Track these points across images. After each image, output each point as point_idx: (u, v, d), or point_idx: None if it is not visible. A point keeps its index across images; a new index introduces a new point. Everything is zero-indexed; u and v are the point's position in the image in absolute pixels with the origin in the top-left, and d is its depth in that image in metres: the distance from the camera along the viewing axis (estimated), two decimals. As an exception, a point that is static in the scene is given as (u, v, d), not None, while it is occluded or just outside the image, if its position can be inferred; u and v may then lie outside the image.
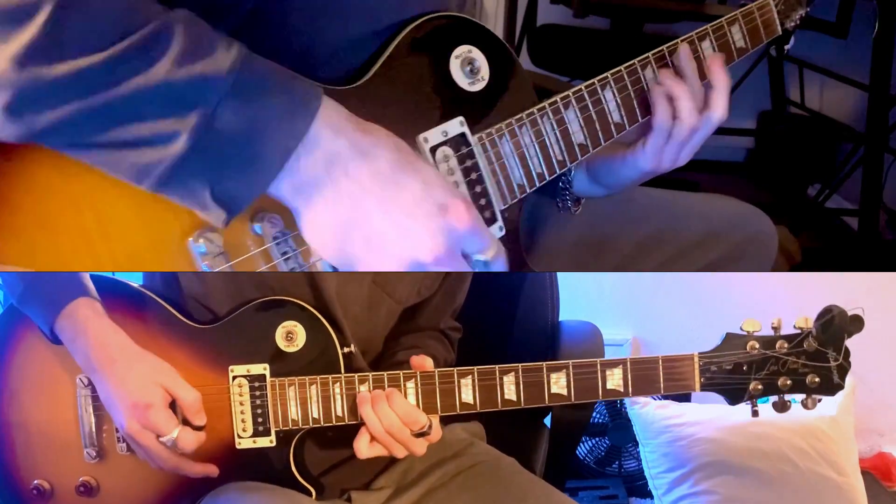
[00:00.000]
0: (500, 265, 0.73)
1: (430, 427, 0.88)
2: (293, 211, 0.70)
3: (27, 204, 0.69)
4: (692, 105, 0.92)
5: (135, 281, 0.98)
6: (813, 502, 1.56)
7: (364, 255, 0.69)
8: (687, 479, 1.62)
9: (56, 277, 0.89)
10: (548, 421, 1.33)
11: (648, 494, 1.71)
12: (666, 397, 1.78)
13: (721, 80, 0.93)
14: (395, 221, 0.68)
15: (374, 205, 0.68)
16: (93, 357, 0.87)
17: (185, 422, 0.87)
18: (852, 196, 2.68)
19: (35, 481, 0.94)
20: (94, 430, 0.93)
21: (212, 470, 0.90)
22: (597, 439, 1.89)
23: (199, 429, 0.88)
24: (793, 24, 1.04)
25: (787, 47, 1.07)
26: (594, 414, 1.85)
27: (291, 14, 0.78)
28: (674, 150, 0.94)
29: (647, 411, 1.71)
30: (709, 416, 1.66)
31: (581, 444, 1.87)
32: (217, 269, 0.74)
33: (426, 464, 1.03)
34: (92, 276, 0.93)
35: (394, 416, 0.86)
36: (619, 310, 2.00)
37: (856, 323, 0.86)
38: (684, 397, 1.80)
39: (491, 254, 0.72)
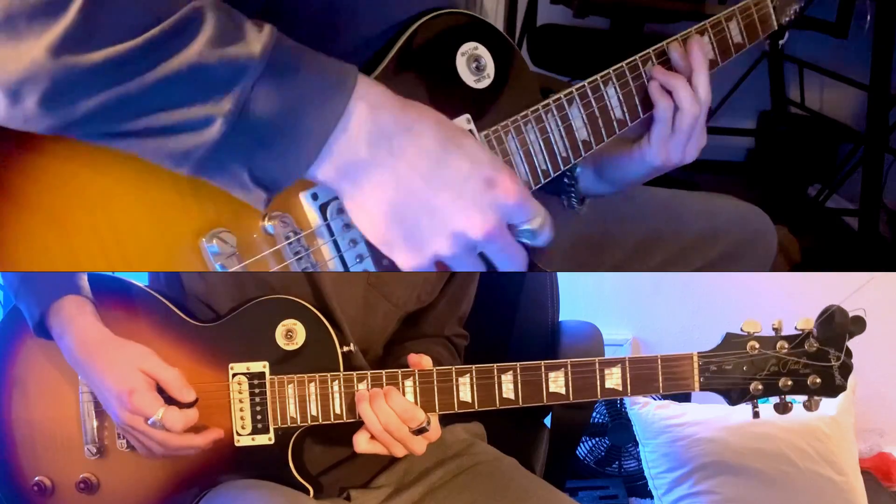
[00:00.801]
0: (547, 234, 0.73)
1: (428, 424, 0.88)
2: (338, 192, 0.70)
3: (39, 204, 0.69)
4: (690, 93, 0.92)
5: (140, 280, 0.99)
6: (813, 502, 1.56)
7: (412, 234, 0.69)
8: (687, 479, 1.62)
9: (49, 275, 0.89)
10: (548, 421, 1.33)
11: (648, 494, 1.71)
12: (666, 397, 1.78)
13: (697, 60, 0.93)
14: (443, 198, 0.68)
15: (421, 182, 0.67)
16: (75, 354, 0.87)
17: (173, 402, 0.86)
18: (852, 196, 2.68)
19: (36, 478, 0.95)
20: (95, 426, 0.94)
21: (216, 434, 0.89)
22: (597, 439, 1.89)
23: (188, 406, 0.87)
24: (788, 18, 1.05)
25: (781, 42, 1.07)
26: (594, 414, 1.85)
27: (301, 10, 0.78)
28: (680, 142, 0.94)
29: (647, 411, 1.71)
30: (709, 416, 1.66)
31: (581, 444, 1.87)
32: (230, 270, 0.74)
33: (426, 463, 1.03)
34: (95, 275, 0.93)
35: (391, 413, 0.86)
36: (619, 310, 2.00)
37: (857, 323, 0.85)
38: (684, 397, 1.80)
39: (538, 222, 0.72)
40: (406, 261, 0.71)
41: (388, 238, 0.70)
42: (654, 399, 1.77)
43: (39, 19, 0.59)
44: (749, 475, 1.57)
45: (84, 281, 0.91)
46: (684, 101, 0.92)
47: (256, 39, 0.63)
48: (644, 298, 1.99)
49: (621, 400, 1.82)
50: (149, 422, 0.85)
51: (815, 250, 2.41)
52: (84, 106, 0.62)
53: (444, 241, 0.69)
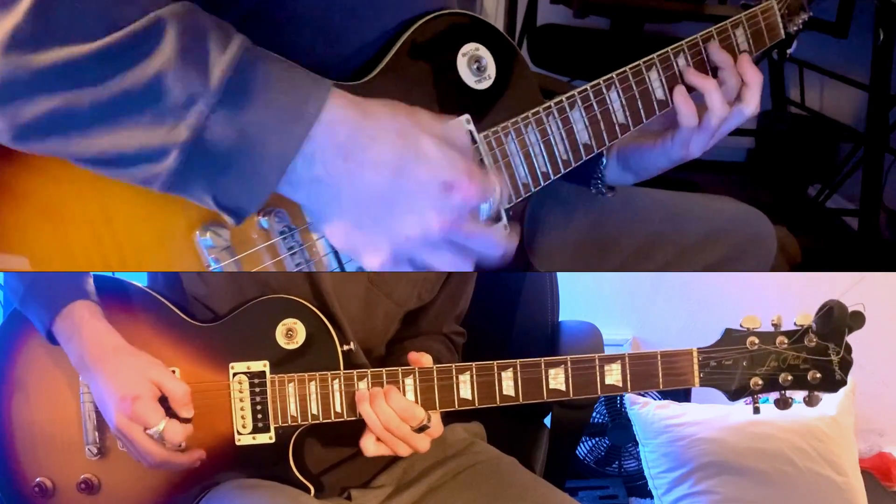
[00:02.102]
0: (505, 195, 0.74)
1: (429, 421, 0.88)
2: (301, 205, 0.71)
3: (34, 196, 0.69)
4: (721, 98, 0.93)
5: (139, 281, 0.99)
6: (813, 502, 1.56)
7: (374, 242, 0.69)
8: (687, 479, 1.62)
9: (56, 279, 0.89)
10: (548, 421, 1.33)
11: (648, 494, 1.71)
12: (666, 396, 1.78)
13: (754, 78, 0.94)
14: (399, 210, 0.68)
15: (378, 198, 0.67)
16: (86, 356, 0.87)
17: (173, 415, 0.87)
18: (852, 196, 2.68)
19: (37, 479, 0.94)
20: (95, 427, 0.94)
21: (199, 455, 0.89)
22: (597, 439, 1.89)
23: (186, 421, 0.87)
24: (796, 28, 1.05)
25: (789, 51, 1.07)
26: (594, 414, 1.85)
27: (297, 10, 0.78)
28: (703, 139, 0.95)
29: (647, 411, 1.71)
30: (709, 415, 1.66)
31: (581, 444, 1.87)
32: (223, 263, 0.74)
33: (426, 463, 1.03)
34: (96, 276, 0.94)
35: (391, 412, 0.86)
36: (619, 310, 2.00)
37: (856, 318, 0.85)
38: (684, 397, 1.80)
39: (497, 191, 0.72)
40: (369, 262, 0.70)
41: (349, 246, 0.70)
42: (654, 399, 1.77)
43: None
44: (749, 475, 1.57)
45: (90, 285, 0.92)
46: (715, 103, 0.93)
47: (217, 62, 0.61)
48: (644, 298, 2.00)
49: (621, 400, 1.82)
50: (148, 431, 0.85)
51: (815, 250, 2.40)
52: (31, 110, 0.60)
53: (402, 242, 0.69)
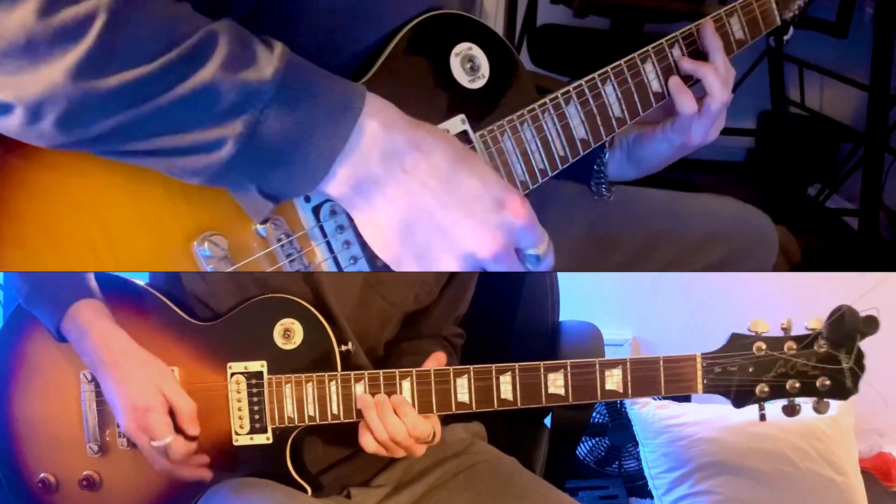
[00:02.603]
0: (550, 261, 0.73)
1: (434, 438, 0.88)
2: (349, 208, 0.71)
3: (30, 210, 0.69)
4: (720, 79, 0.93)
5: (140, 278, 0.99)
6: (813, 502, 1.56)
7: (423, 252, 0.69)
8: (687, 479, 1.62)
9: (59, 278, 0.90)
10: (548, 421, 1.33)
11: (648, 494, 1.71)
12: (666, 396, 1.78)
13: (701, 71, 0.94)
14: (454, 217, 0.68)
15: (433, 200, 0.68)
16: (97, 358, 0.88)
17: (179, 430, 0.88)
18: (852, 196, 2.67)
19: (41, 474, 0.95)
20: (96, 425, 0.94)
21: (205, 474, 0.90)
22: (597, 439, 1.89)
23: (191, 439, 0.88)
24: (791, 14, 1.04)
25: (786, 38, 1.07)
26: (594, 414, 1.85)
27: (294, 12, 0.78)
28: (705, 124, 0.96)
29: (647, 411, 1.71)
30: (709, 416, 1.66)
31: (581, 444, 1.87)
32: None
33: (426, 462, 1.03)
34: (96, 274, 0.94)
35: (401, 425, 0.86)
36: (619, 310, 2.00)
37: (869, 323, 0.82)
38: (685, 397, 1.80)
39: (543, 248, 0.72)
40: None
41: (398, 254, 0.71)
42: (655, 399, 1.77)
43: (59, 44, 0.60)
44: (749, 475, 1.57)
45: (93, 283, 0.92)
46: (714, 86, 0.93)
47: (268, 63, 0.64)
48: (644, 298, 1.99)
49: (621, 400, 1.82)
50: (154, 443, 0.86)
51: (815, 250, 2.40)
52: (98, 127, 0.63)
53: (452, 261, 0.70)
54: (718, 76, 0.93)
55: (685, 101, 0.93)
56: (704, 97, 0.94)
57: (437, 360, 0.91)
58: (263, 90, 0.64)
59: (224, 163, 0.65)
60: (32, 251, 0.69)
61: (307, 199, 0.78)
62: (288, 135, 0.65)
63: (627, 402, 1.75)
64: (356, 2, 0.81)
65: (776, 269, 1.25)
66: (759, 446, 1.59)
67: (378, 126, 0.67)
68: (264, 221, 0.75)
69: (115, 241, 0.71)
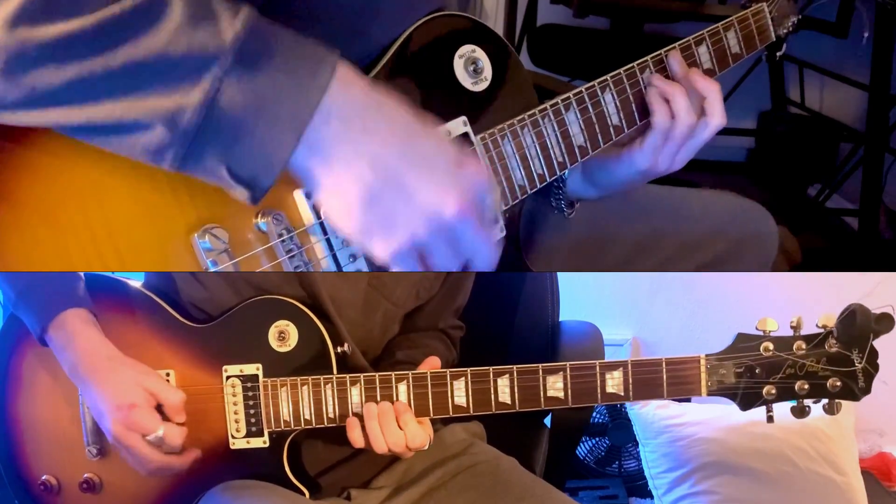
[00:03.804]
0: (501, 224, 0.73)
1: (429, 446, 0.88)
2: (313, 179, 0.68)
3: (31, 200, 0.69)
4: (688, 104, 0.91)
5: (136, 279, 0.99)
6: (813, 502, 1.56)
7: (388, 216, 0.67)
8: (687, 479, 1.62)
9: (47, 286, 0.89)
10: (548, 421, 1.33)
11: (648, 494, 1.71)
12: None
13: (709, 89, 0.93)
14: (417, 174, 0.67)
15: (396, 159, 0.66)
16: (79, 367, 0.87)
17: (168, 421, 0.87)
18: (852, 196, 2.67)
19: (43, 477, 0.95)
20: (94, 428, 0.94)
21: (195, 455, 0.89)
22: (597, 439, 1.89)
23: (180, 425, 0.88)
24: (785, 30, 1.05)
25: (779, 53, 1.07)
26: (594, 414, 1.85)
27: (296, 13, 0.78)
28: (671, 150, 0.94)
29: (647, 411, 1.71)
30: (709, 416, 1.66)
31: (581, 444, 1.87)
32: (221, 266, 0.74)
33: (426, 463, 1.03)
34: (91, 275, 0.93)
35: (401, 435, 0.86)
36: (619, 310, 2.00)
37: (883, 322, 0.79)
38: (685, 398, 1.80)
39: (497, 207, 0.72)
40: (382, 248, 0.69)
41: (363, 222, 0.68)
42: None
43: None
44: (749, 475, 1.57)
45: (82, 290, 0.91)
46: (681, 110, 0.91)
47: (229, 26, 0.61)
48: (644, 298, 1.99)
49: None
50: (148, 438, 0.85)
51: (815, 250, 2.40)
52: (46, 80, 0.61)
53: (418, 221, 0.68)
54: (686, 100, 0.91)
55: (661, 110, 0.92)
56: (672, 119, 0.92)
57: (430, 365, 0.90)
58: (222, 56, 0.61)
59: (185, 137, 0.62)
60: (33, 240, 0.69)
61: (309, 196, 0.78)
62: (251, 105, 0.62)
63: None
64: (362, 2, 0.81)
65: (776, 268, 1.25)
66: (759, 446, 1.59)
67: (341, 92, 0.65)
68: (257, 213, 0.75)
69: (115, 232, 0.71)
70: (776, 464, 1.58)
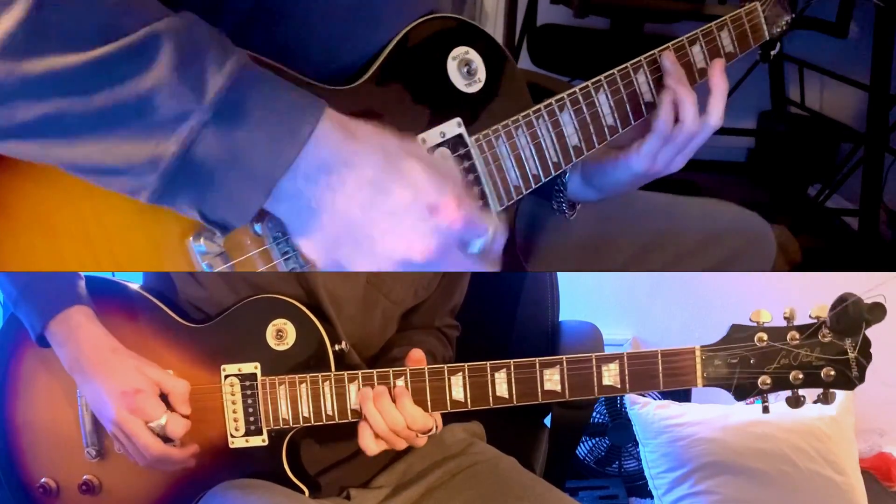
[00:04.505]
0: (501, 242, 0.71)
1: (437, 429, 0.88)
2: (281, 220, 0.69)
3: (26, 205, 0.69)
4: (696, 112, 0.92)
5: (134, 281, 0.99)
6: (813, 502, 1.56)
7: (356, 262, 0.68)
8: (687, 479, 1.62)
9: (50, 283, 0.89)
10: (548, 421, 1.33)
11: (648, 494, 1.71)
12: (666, 396, 1.78)
13: (719, 86, 0.94)
14: (383, 228, 0.66)
15: (360, 213, 0.66)
16: (81, 358, 0.87)
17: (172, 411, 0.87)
18: (852, 196, 2.67)
19: (42, 479, 0.95)
20: (93, 429, 0.94)
21: (194, 450, 0.89)
22: (597, 439, 1.89)
23: (184, 417, 0.88)
24: (779, 29, 1.05)
25: (773, 53, 1.07)
26: (594, 414, 1.86)
27: (290, 15, 0.78)
28: (669, 153, 0.94)
29: (647, 411, 1.71)
30: (709, 416, 1.66)
31: (581, 444, 1.88)
32: (217, 269, 0.74)
33: (426, 463, 1.03)
34: (88, 277, 0.94)
35: (399, 417, 0.86)
36: (619, 310, 2.00)
37: (875, 311, 0.80)
38: (685, 396, 1.80)
39: (489, 234, 0.70)
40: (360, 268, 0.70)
41: (332, 264, 0.69)
42: (655, 399, 1.77)
43: None
44: (749, 475, 1.57)
45: (83, 288, 0.92)
46: (688, 117, 0.91)
47: (213, 79, 0.61)
48: (644, 298, 2.00)
49: (621, 400, 1.82)
50: (150, 424, 0.85)
51: (815, 250, 2.40)
52: (23, 114, 0.60)
53: (387, 265, 0.68)
54: (695, 106, 0.91)
55: (666, 116, 0.91)
56: (676, 124, 0.92)
57: (413, 358, 0.89)
58: (201, 109, 0.60)
59: (159, 184, 0.62)
60: (28, 245, 0.69)
61: None
62: (226, 157, 0.62)
63: (627, 402, 1.75)
64: (355, 4, 0.81)
65: (776, 269, 1.25)
66: (759, 446, 1.59)
67: (310, 146, 0.64)
68: (258, 218, 0.75)
69: (111, 235, 0.71)
70: (776, 464, 1.58)
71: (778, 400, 0.87)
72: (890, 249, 2.46)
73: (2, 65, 0.58)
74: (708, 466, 1.60)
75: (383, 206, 0.66)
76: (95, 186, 0.67)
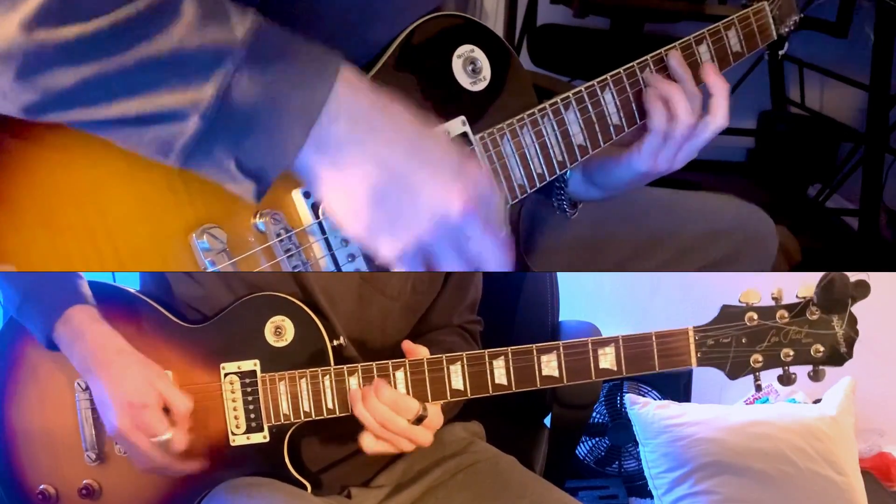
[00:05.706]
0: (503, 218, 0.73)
1: (424, 411, 0.87)
2: (316, 178, 0.68)
3: (29, 200, 0.69)
4: (687, 105, 0.91)
5: (132, 285, 0.99)
6: (813, 502, 1.56)
7: (395, 217, 0.68)
8: (687, 479, 1.61)
9: (52, 286, 0.89)
10: (547, 421, 1.33)
11: (648, 494, 1.71)
12: (665, 396, 1.78)
13: (719, 87, 0.94)
14: (424, 175, 0.68)
15: (402, 159, 0.67)
16: (90, 359, 0.87)
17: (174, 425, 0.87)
18: (852, 196, 2.67)
19: (41, 486, 0.95)
20: (93, 433, 0.94)
21: (197, 466, 0.90)
22: (597, 439, 1.89)
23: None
24: (787, 29, 1.05)
25: (780, 52, 1.07)
26: (594, 414, 1.85)
27: (294, 13, 0.78)
28: (670, 152, 0.94)
29: (646, 411, 1.71)
30: (709, 415, 1.66)
31: (581, 444, 1.88)
32: (220, 266, 0.74)
33: (426, 462, 1.03)
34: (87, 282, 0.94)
35: (384, 408, 0.85)
36: (619, 310, 2.00)
37: (860, 288, 0.82)
38: (685, 397, 1.80)
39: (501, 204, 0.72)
40: (389, 248, 0.69)
41: (369, 222, 0.69)
42: (654, 399, 1.77)
43: None
44: (749, 475, 1.57)
45: (86, 288, 0.92)
46: (680, 111, 0.91)
47: (239, 24, 0.63)
48: (644, 298, 2.00)
49: (621, 399, 1.82)
50: (154, 439, 0.85)
51: (815, 250, 2.40)
52: (60, 82, 0.62)
53: (424, 221, 0.68)
54: (685, 100, 0.91)
55: (658, 113, 0.92)
56: (670, 121, 0.92)
57: (410, 352, 0.89)
58: (234, 51, 0.62)
59: (197, 130, 0.63)
60: (31, 241, 0.69)
61: (307, 196, 0.78)
62: (262, 98, 0.63)
63: (627, 402, 1.75)
64: (360, 2, 0.81)
65: (776, 269, 1.25)
66: (759, 446, 1.59)
67: (348, 93, 0.66)
68: (256, 213, 0.74)
69: (114, 232, 0.71)
70: (776, 464, 1.57)
71: (778, 400, 0.88)
72: (890, 249, 2.46)
73: (35, 36, 0.60)
74: (708, 466, 1.60)
75: (421, 152, 0.68)
76: (100, 184, 0.68)
